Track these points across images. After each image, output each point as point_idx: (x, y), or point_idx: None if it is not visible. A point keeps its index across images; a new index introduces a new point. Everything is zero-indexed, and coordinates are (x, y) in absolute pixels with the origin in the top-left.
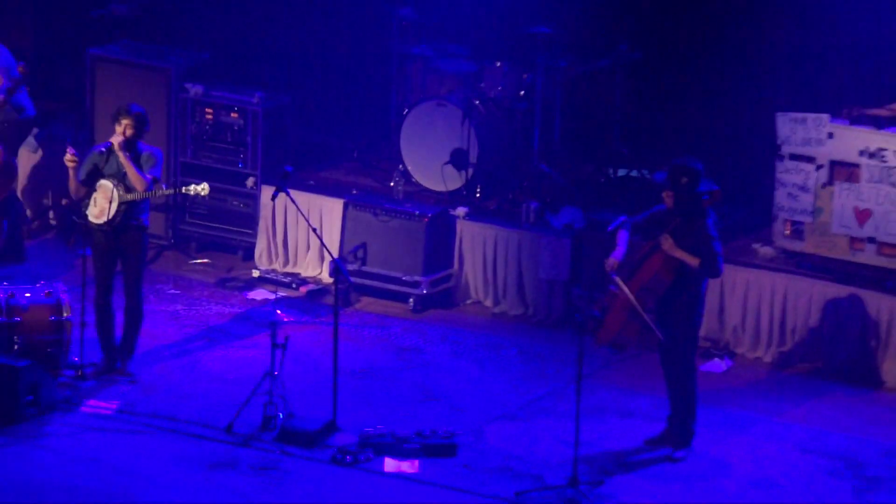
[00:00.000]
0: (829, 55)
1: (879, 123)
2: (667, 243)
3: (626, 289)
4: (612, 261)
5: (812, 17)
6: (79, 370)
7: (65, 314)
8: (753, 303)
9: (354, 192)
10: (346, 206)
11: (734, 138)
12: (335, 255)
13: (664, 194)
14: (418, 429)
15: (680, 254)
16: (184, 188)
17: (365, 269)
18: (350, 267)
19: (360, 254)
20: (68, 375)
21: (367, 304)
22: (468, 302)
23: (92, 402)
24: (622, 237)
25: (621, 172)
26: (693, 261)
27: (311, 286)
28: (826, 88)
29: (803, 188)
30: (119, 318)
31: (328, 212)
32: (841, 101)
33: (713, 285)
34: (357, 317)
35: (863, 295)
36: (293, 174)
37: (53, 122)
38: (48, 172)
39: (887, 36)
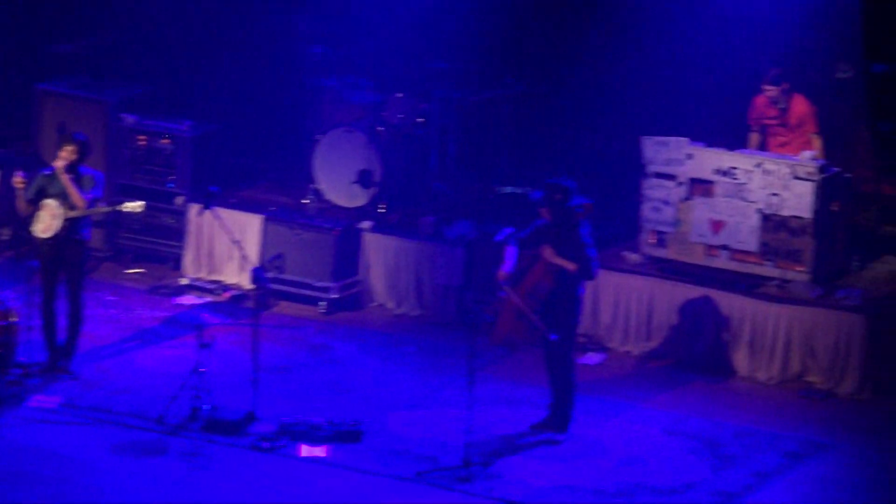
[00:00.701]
0: (690, 87)
1: (730, 145)
2: (547, 252)
3: (514, 294)
4: (502, 273)
5: (675, 53)
6: (25, 369)
7: (12, 319)
8: (623, 303)
9: (272, 208)
10: (264, 221)
11: (606, 159)
12: (255, 264)
13: (541, 210)
14: (329, 418)
15: (559, 261)
16: (121, 206)
17: (282, 276)
18: (268, 274)
19: (277, 263)
20: (15, 374)
21: (283, 307)
22: (373, 305)
23: (37, 397)
24: (510, 252)
25: (507, 189)
26: (571, 266)
27: (234, 292)
28: (685, 116)
29: (666, 202)
30: (62, 322)
31: (249, 226)
32: (698, 127)
33: (589, 287)
34: (275, 319)
35: (717, 296)
36: (218, 193)
37: (4, 149)
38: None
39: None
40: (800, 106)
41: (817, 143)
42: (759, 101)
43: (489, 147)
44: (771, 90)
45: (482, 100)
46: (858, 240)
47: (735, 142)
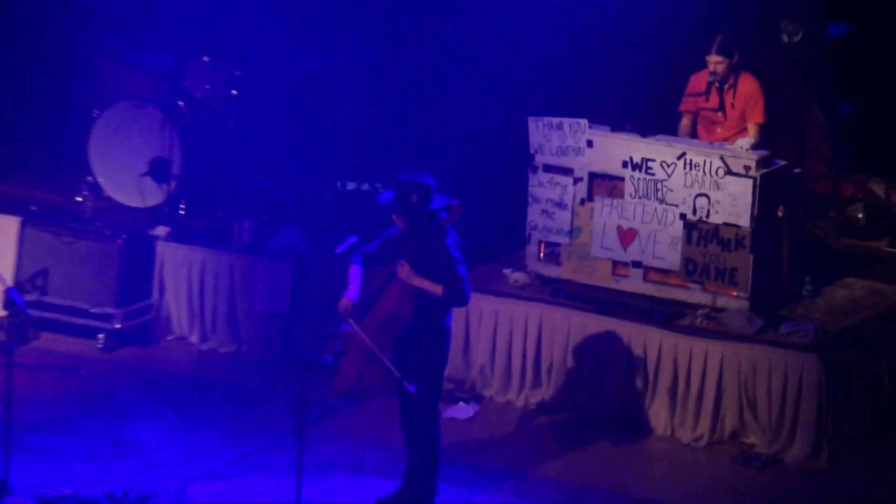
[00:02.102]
0: (591, 53)
1: (645, 130)
2: (403, 271)
3: (361, 329)
4: (346, 301)
5: (574, 7)
6: None
7: None
8: (504, 337)
9: (33, 208)
10: (22, 225)
11: (480, 147)
12: (8, 283)
13: (394, 216)
14: (109, 489)
15: (419, 281)
16: None
17: (45, 299)
18: (27, 297)
19: (39, 282)
20: None
21: (47, 340)
22: (170, 338)
23: None
24: (354, 273)
25: (351, 185)
26: (435, 289)
27: None
28: (587, 92)
29: (560, 204)
30: None
31: (1, 232)
32: (604, 108)
33: (458, 318)
34: (35, 356)
35: (627, 328)
36: None
37: None
38: None
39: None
40: (747, 87)
41: (755, 131)
42: (697, 79)
43: (327, 130)
44: (717, 62)
45: (318, 67)
46: (811, 256)
47: (654, 128)
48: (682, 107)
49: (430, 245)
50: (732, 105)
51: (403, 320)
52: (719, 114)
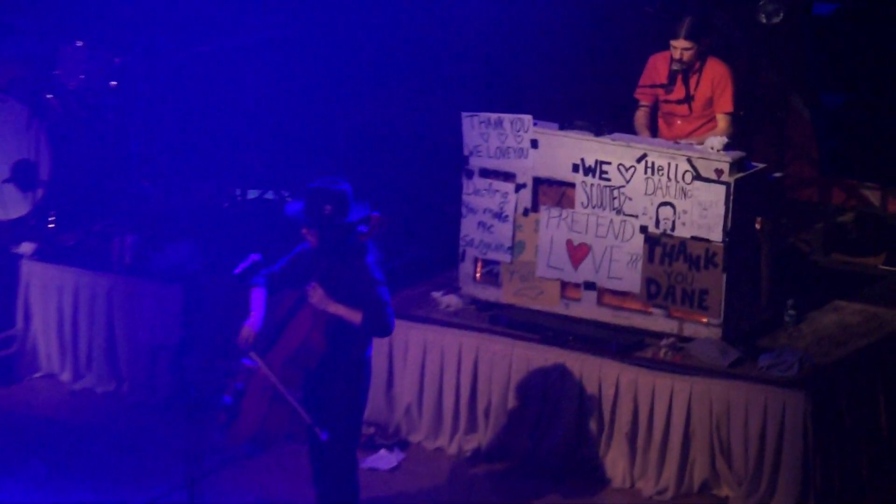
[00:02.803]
0: (531, 34)
1: (599, 129)
2: (315, 295)
3: (265, 364)
4: (247, 331)
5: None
6: None
7: None
8: (433, 373)
9: None
10: None
11: (404, 147)
12: None
13: (304, 231)
14: None
15: (334, 307)
16: None
17: None
18: None
19: None
20: None
21: None
22: (37, 375)
23: None
24: (257, 298)
25: (253, 194)
26: (353, 316)
27: None
28: (526, 83)
29: (499, 215)
30: None
31: None
32: (550, 102)
33: (380, 350)
34: None
35: (579, 361)
36: None
37: None
38: None
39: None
40: (714, 71)
41: (725, 122)
42: (657, 63)
43: (224, 127)
44: (684, 48)
45: (211, 52)
46: (795, 275)
47: (610, 125)
48: (639, 95)
49: (347, 264)
50: (693, 95)
51: (315, 353)
52: (681, 105)
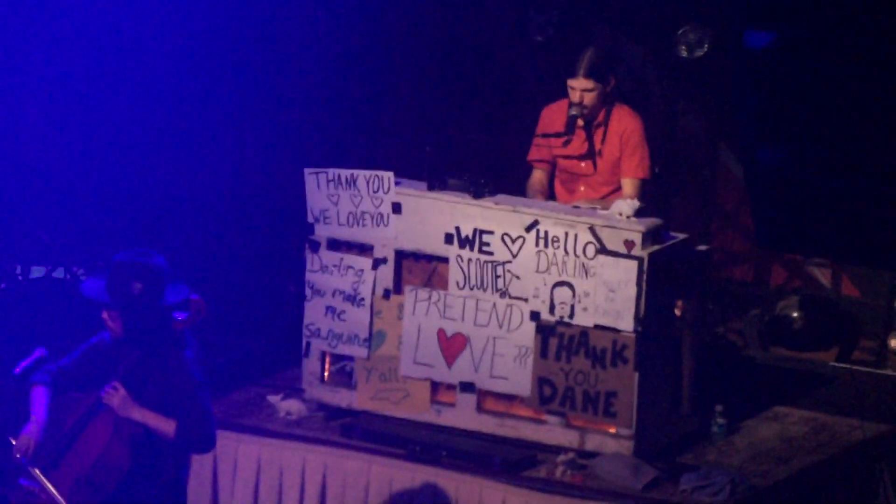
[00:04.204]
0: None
1: (479, 190)
2: (116, 398)
3: (49, 485)
4: (26, 441)
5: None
6: None
7: None
8: (270, 498)
9: None
10: None
11: (238, 212)
12: None
13: (105, 315)
14: None
15: (140, 414)
16: None
17: None
18: None
19: None
20: None
21: None
22: None
23: None
24: (38, 398)
25: (38, 272)
26: (165, 426)
27: None
28: (393, 133)
29: (353, 298)
30: None
31: None
32: (415, 158)
33: (201, 469)
34: None
35: (453, 482)
36: None
37: None
38: None
39: None
40: (623, 124)
41: (632, 188)
42: (552, 114)
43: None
44: (584, 88)
45: None
46: (724, 374)
47: (492, 185)
48: (532, 155)
49: (158, 359)
50: (601, 151)
51: (115, 472)
52: (584, 164)
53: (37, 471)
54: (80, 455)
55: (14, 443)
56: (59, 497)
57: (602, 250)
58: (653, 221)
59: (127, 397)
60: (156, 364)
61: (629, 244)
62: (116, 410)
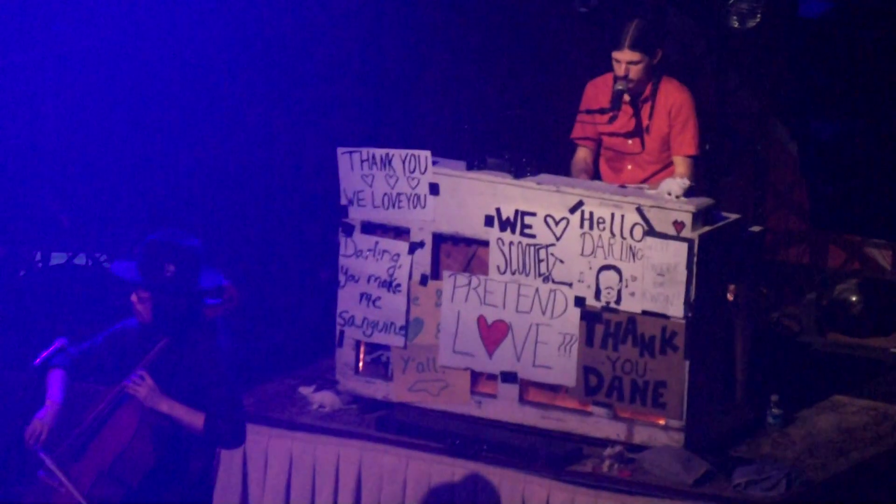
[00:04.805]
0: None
1: (521, 170)
2: (143, 388)
3: (63, 475)
4: (39, 425)
5: None
6: None
7: None
8: (303, 495)
9: None
10: None
11: (268, 195)
12: None
13: (134, 298)
14: None
15: (168, 406)
16: None
17: None
18: None
19: None
20: None
21: None
22: None
23: None
24: (54, 382)
25: (58, 258)
26: (193, 419)
27: None
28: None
29: (388, 284)
30: None
31: None
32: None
33: (230, 465)
34: None
35: (496, 477)
36: None
37: None
38: None
39: None
40: (671, 99)
41: (686, 167)
42: (597, 89)
43: (15, 170)
44: (630, 61)
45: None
46: (779, 362)
47: (534, 164)
48: (576, 132)
49: (188, 348)
50: (648, 128)
51: (140, 467)
52: (631, 141)
53: (51, 462)
54: (102, 448)
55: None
56: (76, 492)
57: (650, 232)
58: (703, 201)
59: (154, 387)
60: (185, 353)
61: (679, 225)
62: (143, 401)
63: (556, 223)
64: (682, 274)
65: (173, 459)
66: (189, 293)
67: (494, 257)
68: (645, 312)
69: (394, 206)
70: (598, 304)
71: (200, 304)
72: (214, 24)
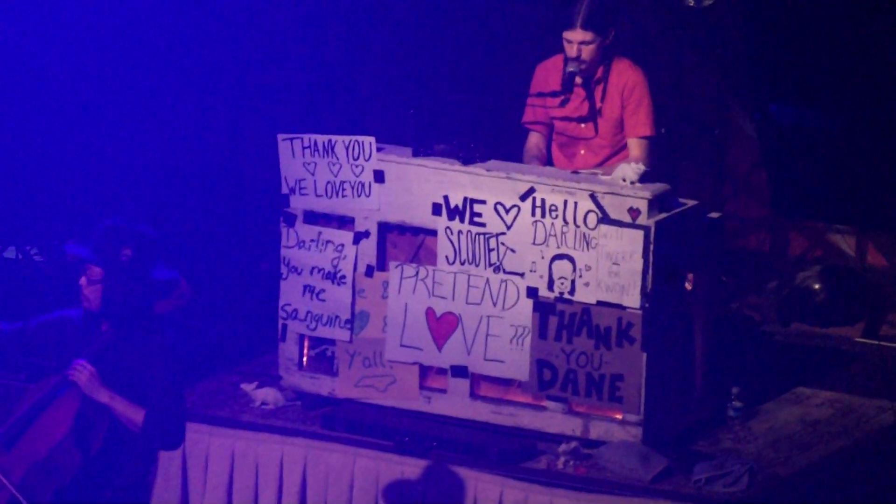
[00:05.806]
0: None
1: (469, 156)
2: (84, 375)
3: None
4: None
5: None
6: None
7: None
8: (245, 495)
9: None
10: None
11: (206, 185)
12: None
13: (83, 281)
14: None
15: (108, 398)
16: None
17: None
18: None
19: None
20: None
21: None
22: None
23: None
24: None
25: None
26: (132, 414)
27: None
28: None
29: (333, 276)
30: None
31: None
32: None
33: (169, 464)
34: None
35: (444, 475)
36: None
37: None
38: None
39: None
40: (623, 79)
41: (640, 149)
42: (547, 71)
43: None
44: (582, 41)
45: None
46: (740, 354)
47: (483, 150)
48: (527, 117)
49: (135, 340)
50: (601, 111)
51: (74, 462)
52: (584, 125)
53: None
54: (35, 440)
55: None
56: (7, 482)
57: (604, 219)
58: (659, 187)
59: (95, 375)
60: (131, 346)
61: (634, 212)
62: (82, 388)
63: (507, 211)
64: (638, 263)
65: (109, 457)
66: (142, 280)
67: (443, 247)
68: (600, 303)
69: (337, 194)
70: (551, 295)
71: (151, 295)
72: (148, 10)
